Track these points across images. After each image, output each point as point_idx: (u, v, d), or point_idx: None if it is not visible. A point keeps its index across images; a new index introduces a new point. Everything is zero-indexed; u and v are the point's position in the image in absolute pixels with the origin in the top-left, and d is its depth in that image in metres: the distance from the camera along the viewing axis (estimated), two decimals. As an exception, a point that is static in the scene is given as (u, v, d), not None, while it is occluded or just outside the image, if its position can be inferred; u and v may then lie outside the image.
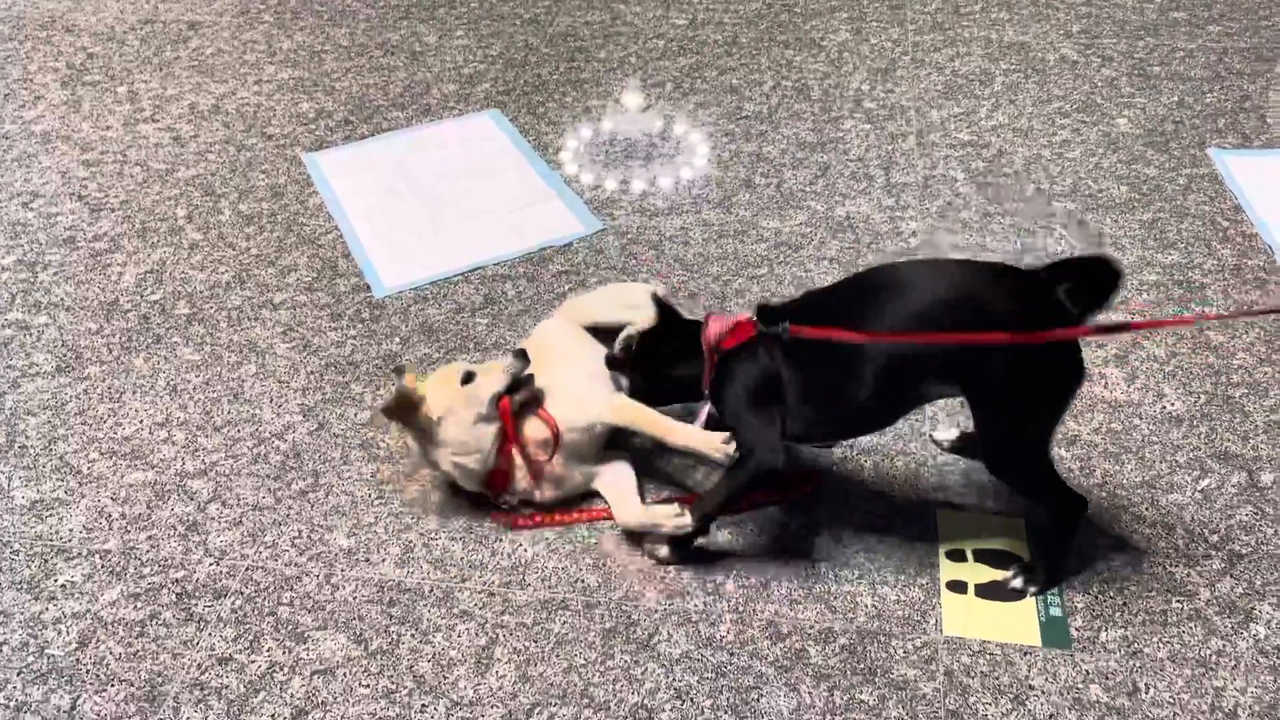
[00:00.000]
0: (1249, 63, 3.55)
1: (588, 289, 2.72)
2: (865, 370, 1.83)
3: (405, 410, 2.08)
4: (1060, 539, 1.98)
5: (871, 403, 1.88)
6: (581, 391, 2.18)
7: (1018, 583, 2.00)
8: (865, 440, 2.31)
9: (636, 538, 2.13)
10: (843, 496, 2.20)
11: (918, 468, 2.25)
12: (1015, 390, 1.79)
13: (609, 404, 2.16)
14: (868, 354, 1.81)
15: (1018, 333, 1.71)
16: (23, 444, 2.43)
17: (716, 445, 2.02)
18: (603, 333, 2.34)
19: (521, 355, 2.15)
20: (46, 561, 2.17)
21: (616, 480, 2.20)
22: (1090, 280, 1.76)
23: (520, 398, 2.15)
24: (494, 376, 2.13)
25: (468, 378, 2.12)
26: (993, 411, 1.84)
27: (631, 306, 2.24)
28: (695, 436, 2.06)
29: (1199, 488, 2.17)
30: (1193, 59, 3.59)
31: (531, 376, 2.16)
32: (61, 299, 2.85)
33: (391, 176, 3.26)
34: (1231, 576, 2.00)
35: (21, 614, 2.07)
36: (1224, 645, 1.89)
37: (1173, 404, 2.35)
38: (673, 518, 2.04)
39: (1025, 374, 1.77)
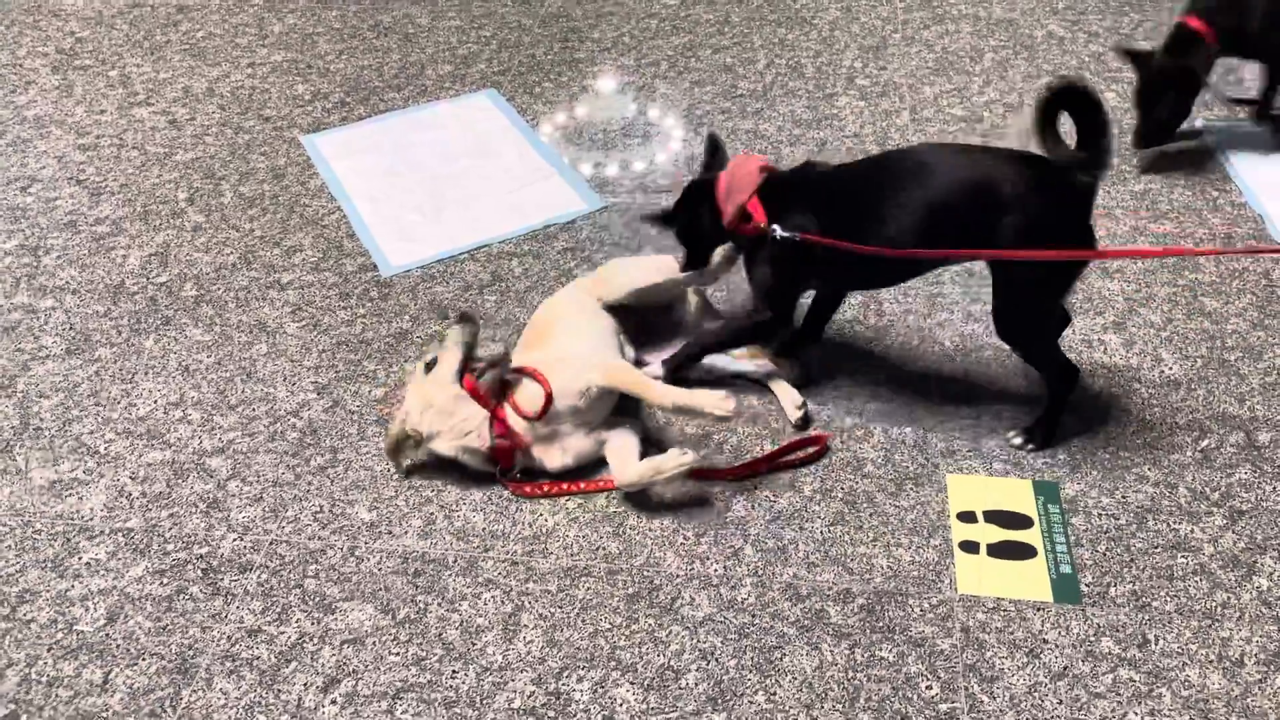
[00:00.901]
0: (1232, 37, 3.61)
1: (598, 264, 2.76)
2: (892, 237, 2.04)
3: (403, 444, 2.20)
4: (1054, 405, 2.22)
5: (895, 264, 2.10)
6: (579, 358, 2.23)
7: (1017, 440, 2.24)
8: (874, 406, 2.36)
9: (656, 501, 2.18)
10: (854, 463, 2.25)
11: (925, 433, 2.30)
12: (1023, 264, 1.99)
13: (602, 368, 2.20)
14: (894, 225, 2.02)
15: (1016, 249, 1.95)
16: (38, 425, 2.44)
17: (715, 403, 2.08)
18: (621, 310, 2.43)
19: (466, 319, 2.20)
20: (69, 540, 2.19)
21: (620, 445, 2.24)
22: (1084, 136, 1.94)
23: (484, 368, 2.19)
24: (451, 353, 2.18)
25: (430, 365, 2.18)
26: (1005, 280, 2.07)
27: (662, 270, 2.43)
28: (690, 397, 2.11)
29: (1199, 448, 2.24)
30: (1177, 34, 3.64)
31: (506, 355, 2.21)
32: (67, 282, 2.85)
33: (392, 157, 3.27)
34: (1233, 532, 2.07)
35: (48, 592, 2.09)
36: (1229, 598, 1.96)
37: (1170, 368, 2.42)
38: (675, 458, 2.09)
39: (1034, 246, 1.95)
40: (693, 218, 2.31)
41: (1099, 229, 2.80)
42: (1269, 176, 2.93)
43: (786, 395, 2.35)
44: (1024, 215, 1.95)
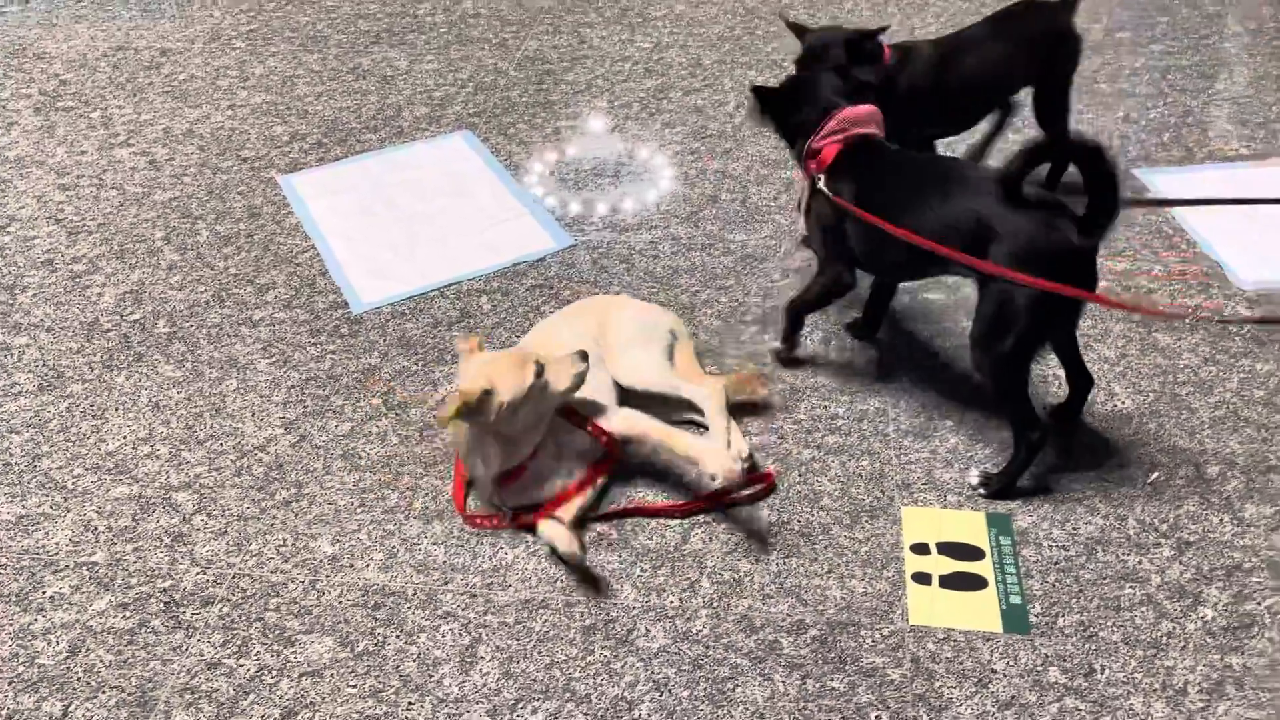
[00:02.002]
0: (1190, 79, 3.71)
1: (565, 300, 2.80)
2: (896, 240, 2.17)
3: (481, 408, 2.09)
4: (1017, 457, 2.22)
5: (901, 262, 2.29)
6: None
7: (974, 480, 2.28)
8: (832, 440, 2.40)
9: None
10: (811, 496, 2.28)
11: (882, 466, 2.34)
12: (1007, 300, 2.06)
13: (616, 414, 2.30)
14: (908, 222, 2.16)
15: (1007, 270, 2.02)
16: (6, 461, 2.47)
17: (722, 463, 2.15)
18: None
19: (584, 357, 2.21)
20: (34, 574, 2.21)
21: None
22: (1093, 204, 1.98)
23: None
24: (562, 371, 2.17)
25: (540, 371, 2.15)
26: (985, 312, 2.12)
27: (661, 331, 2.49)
28: (698, 449, 2.20)
29: (1149, 480, 2.28)
30: (1137, 76, 3.74)
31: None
32: (41, 320, 2.89)
33: (367, 196, 3.33)
34: (1180, 563, 2.11)
35: (10, 625, 2.11)
36: (1174, 628, 1.99)
37: (1123, 402, 2.46)
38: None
39: (1020, 292, 2.03)
40: (796, 111, 2.39)
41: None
42: (1215, 222, 2.98)
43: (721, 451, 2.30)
44: (1013, 257, 2.01)
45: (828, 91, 2.37)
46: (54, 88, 4.02)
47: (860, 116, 2.32)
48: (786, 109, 2.40)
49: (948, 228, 2.09)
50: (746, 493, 2.28)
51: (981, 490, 2.26)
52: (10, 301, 2.96)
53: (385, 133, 3.65)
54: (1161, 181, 3.18)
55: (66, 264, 3.10)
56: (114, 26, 4.44)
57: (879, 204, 2.21)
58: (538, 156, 3.49)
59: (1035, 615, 2.02)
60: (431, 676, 1.98)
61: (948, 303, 2.74)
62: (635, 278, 2.92)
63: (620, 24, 4.27)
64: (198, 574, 2.19)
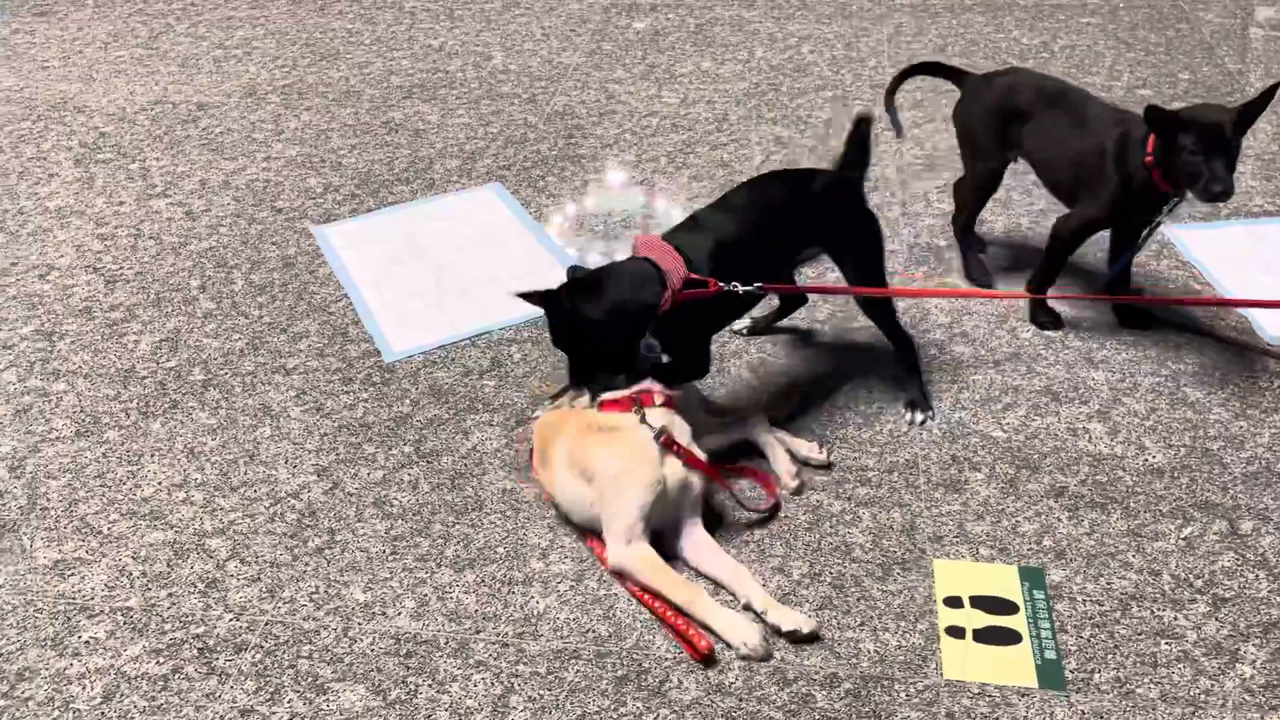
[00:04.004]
0: (1214, 136, 3.73)
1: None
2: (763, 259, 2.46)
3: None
4: (910, 371, 2.65)
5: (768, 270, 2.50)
6: None
7: (916, 417, 2.59)
8: (863, 492, 2.40)
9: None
10: (843, 548, 2.28)
11: (913, 518, 2.34)
12: (860, 245, 2.58)
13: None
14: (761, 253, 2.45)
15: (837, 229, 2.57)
16: (44, 506, 2.50)
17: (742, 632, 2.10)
18: None
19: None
20: (70, 619, 2.22)
21: None
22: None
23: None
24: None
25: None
26: (853, 266, 2.58)
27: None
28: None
29: (1182, 535, 2.27)
30: (1161, 133, 3.76)
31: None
32: (79, 367, 2.94)
33: (398, 246, 3.38)
34: (1216, 619, 2.09)
35: (46, 670, 2.12)
36: (1212, 685, 1.97)
37: (1154, 457, 2.46)
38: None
39: (859, 233, 2.57)
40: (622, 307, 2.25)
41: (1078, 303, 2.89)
42: (1242, 276, 2.99)
43: (781, 461, 2.45)
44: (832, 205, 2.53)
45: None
46: (94, 140, 4.11)
47: (653, 242, 2.34)
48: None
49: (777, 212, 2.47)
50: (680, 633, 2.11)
51: (925, 418, 2.58)
52: (49, 348, 3.01)
53: (417, 185, 3.72)
54: (1188, 238, 3.20)
55: (104, 312, 3.15)
56: (152, 81, 4.55)
57: (732, 257, 2.36)
58: (567, 208, 3.54)
59: (1070, 671, 2.01)
60: (464, 726, 1.98)
61: (972, 355, 2.76)
62: (664, 329, 2.94)
63: (647, 80, 4.35)
64: (231, 620, 2.20)
